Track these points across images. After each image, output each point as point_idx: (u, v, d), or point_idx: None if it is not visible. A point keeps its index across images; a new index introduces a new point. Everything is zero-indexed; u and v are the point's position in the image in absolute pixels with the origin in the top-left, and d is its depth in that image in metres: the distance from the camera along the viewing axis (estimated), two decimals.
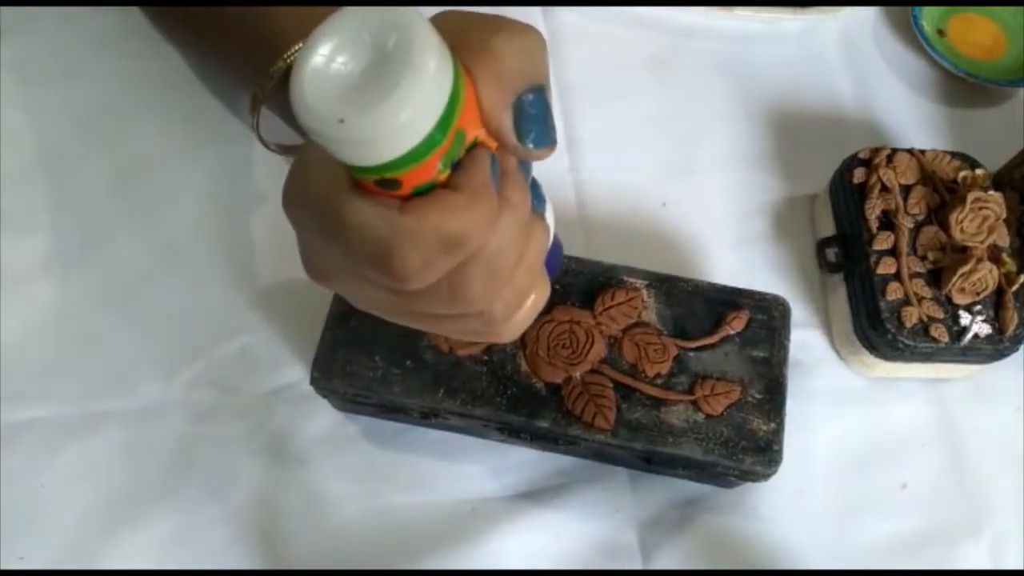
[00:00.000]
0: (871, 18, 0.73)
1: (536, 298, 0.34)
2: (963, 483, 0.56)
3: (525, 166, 0.31)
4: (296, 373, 0.56)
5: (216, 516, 0.53)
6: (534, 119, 0.28)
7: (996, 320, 0.53)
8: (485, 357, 0.49)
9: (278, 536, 0.52)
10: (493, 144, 0.29)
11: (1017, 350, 0.53)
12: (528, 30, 0.29)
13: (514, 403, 0.48)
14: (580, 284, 0.51)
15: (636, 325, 0.50)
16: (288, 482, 0.53)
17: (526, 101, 0.28)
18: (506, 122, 0.28)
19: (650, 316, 0.51)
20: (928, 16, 0.71)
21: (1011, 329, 0.53)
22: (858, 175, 0.57)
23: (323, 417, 0.55)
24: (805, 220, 0.64)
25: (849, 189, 0.57)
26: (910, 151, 0.57)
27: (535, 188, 0.33)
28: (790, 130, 0.67)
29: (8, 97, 0.64)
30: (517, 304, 0.33)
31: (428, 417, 0.51)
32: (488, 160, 0.28)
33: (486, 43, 0.27)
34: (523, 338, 0.49)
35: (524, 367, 0.49)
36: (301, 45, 0.41)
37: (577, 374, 0.49)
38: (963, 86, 0.69)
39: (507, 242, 0.30)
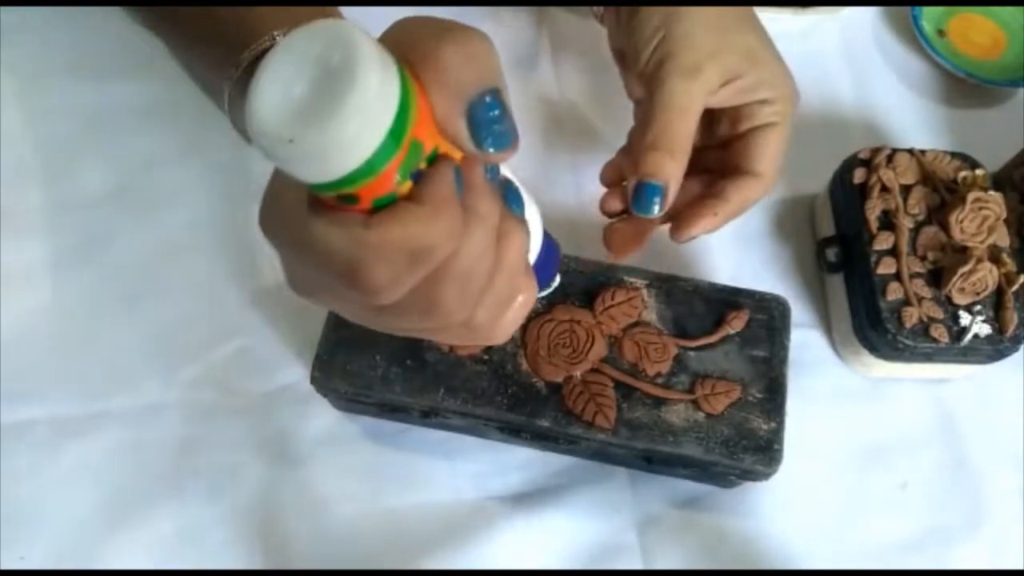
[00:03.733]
0: (871, 18, 0.73)
1: (523, 300, 0.34)
2: (963, 483, 0.56)
3: (492, 172, 0.31)
4: (296, 373, 0.56)
5: (216, 516, 0.53)
6: (489, 123, 0.28)
7: (996, 320, 0.53)
8: (485, 356, 0.49)
9: (278, 536, 0.52)
10: (457, 154, 0.29)
11: (1017, 350, 0.53)
12: (472, 34, 0.29)
13: (514, 402, 0.48)
14: (580, 284, 0.51)
15: (636, 324, 0.50)
16: (288, 482, 0.53)
17: (479, 106, 0.28)
18: (461, 129, 0.28)
19: (650, 316, 0.51)
20: (928, 16, 0.71)
21: (1011, 329, 0.53)
22: (858, 175, 0.57)
23: (323, 417, 0.55)
24: (805, 220, 0.64)
25: (849, 189, 0.57)
26: (910, 151, 0.57)
27: (510, 192, 0.33)
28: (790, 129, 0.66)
29: (8, 97, 0.64)
30: (501, 309, 0.33)
31: (428, 416, 0.51)
32: (450, 171, 0.28)
33: (432, 52, 0.27)
34: (524, 337, 0.49)
35: (525, 366, 0.49)
36: (269, 37, 0.41)
37: (577, 373, 0.49)
38: (963, 86, 0.69)
39: (478, 251, 0.30)
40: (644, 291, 0.51)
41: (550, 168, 0.64)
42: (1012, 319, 0.53)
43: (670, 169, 0.44)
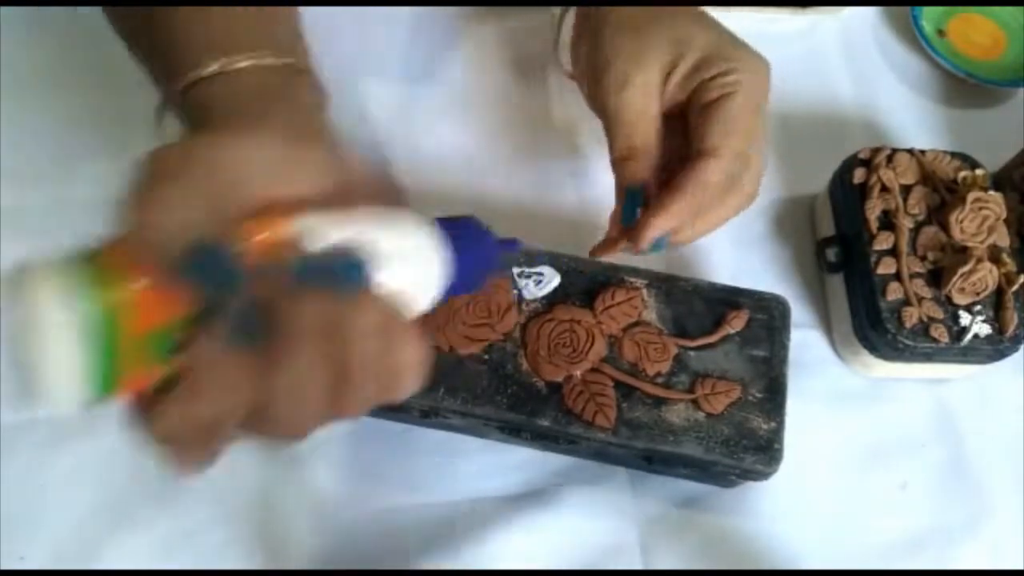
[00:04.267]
0: (871, 18, 0.73)
1: (409, 357, 0.31)
2: (963, 483, 0.56)
3: (302, 269, 0.29)
4: None
5: (215, 516, 0.53)
6: (204, 275, 0.27)
7: (996, 320, 0.53)
8: (486, 356, 0.49)
9: (278, 536, 0.52)
10: (259, 227, 0.28)
11: (1017, 350, 0.54)
12: (217, 139, 0.29)
13: (514, 402, 0.48)
14: (580, 284, 0.51)
15: (636, 324, 0.50)
16: (288, 482, 0.53)
17: (190, 262, 0.27)
18: (181, 286, 0.27)
19: (650, 315, 0.51)
20: (928, 16, 0.71)
21: (1011, 329, 0.53)
22: (858, 175, 0.57)
23: None
24: (805, 220, 0.64)
25: (849, 189, 0.57)
26: (910, 151, 0.57)
27: (344, 268, 0.30)
28: (790, 129, 0.66)
29: (8, 97, 0.64)
30: (382, 382, 0.31)
31: (428, 416, 0.50)
32: (208, 335, 0.27)
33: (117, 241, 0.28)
34: (524, 337, 0.49)
35: (525, 366, 0.49)
36: (207, 67, 0.40)
37: (578, 373, 0.49)
38: (963, 86, 0.69)
39: (296, 375, 0.28)
40: (644, 291, 0.51)
41: (551, 170, 0.63)
42: (1012, 319, 0.53)
43: (637, 172, 0.45)
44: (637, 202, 0.46)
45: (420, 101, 0.66)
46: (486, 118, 0.65)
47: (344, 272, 0.30)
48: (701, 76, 0.45)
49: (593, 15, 0.48)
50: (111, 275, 0.27)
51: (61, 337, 0.25)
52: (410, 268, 0.33)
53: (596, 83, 0.46)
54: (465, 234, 0.36)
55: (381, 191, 0.34)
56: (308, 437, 0.31)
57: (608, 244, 0.49)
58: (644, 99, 0.45)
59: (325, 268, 0.29)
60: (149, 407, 0.28)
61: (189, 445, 0.28)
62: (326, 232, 0.30)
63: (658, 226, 0.45)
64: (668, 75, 0.45)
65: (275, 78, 0.42)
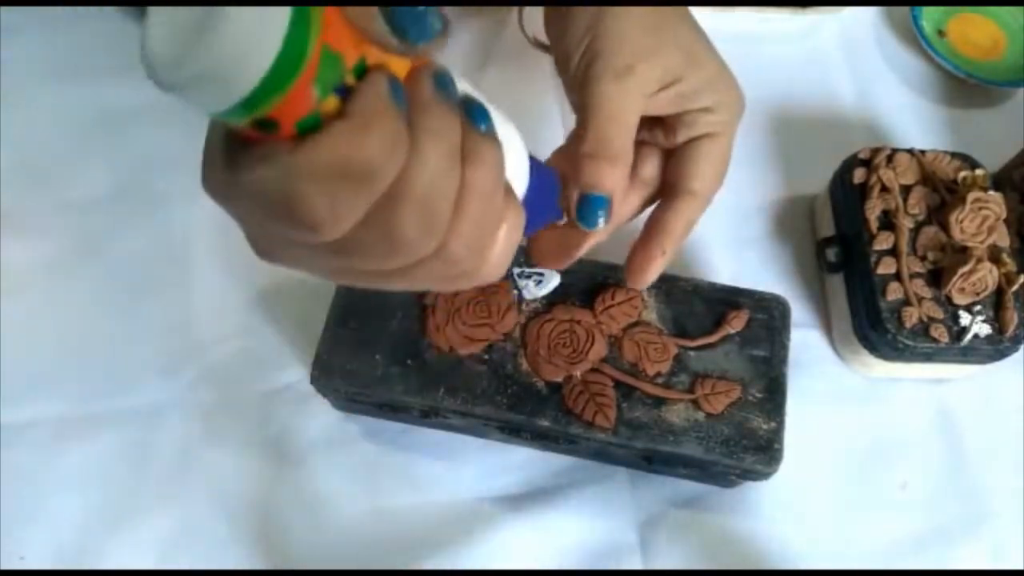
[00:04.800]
0: (871, 18, 0.73)
1: (509, 228, 0.31)
2: (963, 483, 0.56)
3: (445, 87, 0.28)
4: (296, 373, 0.56)
5: (216, 516, 0.53)
6: (407, 12, 0.26)
7: (996, 320, 0.53)
8: (485, 356, 0.49)
9: (278, 536, 0.52)
10: (399, 66, 0.27)
11: (1017, 350, 0.53)
12: None
13: (514, 402, 0.48)
14: (580, 283, 0.51)
15: (636, 324, 0.50)
16: (288, 482, 0.53)
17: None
18: (379, 25, 0.25)
19: (650, 315, 0.51)
20: (928, 16, 0.71)
21: (1011, 329, 0.53)
22: (858, 175, 0.57)
23: (323, 417, 0.55)
24: (805, 220, 0.64)
25: (849, 189, 0.57)
26: (910, 151, 0.57)
27: (474, 109, 0.30)
28: (790, 129, 0.67)
29: (8, 97, 0.64)
30: (480, 238, 0.30)
31: (428, 416, 0.51)
32: (382, 82, 0.26)
33: None
34: (524, 337, 0.49)
35: (524, 366, 0.49)
36: None
37: (578, 373, 0.49)
38: (963, 86, 0.69)
39: (433, 171, 0.27)
40: (644, 291, 0.51)
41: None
42: (1012, 319, 0.53)
43: (612, 179, 0.40)
44: (601, 209, 0.41)
45: None
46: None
47: (477, 112, 0.30)
48: (694, 103, 0.42)
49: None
50: None
51: None
52: (507, 158, 0.32)
53: (586, 64, 0.41)
54: (543, 174, 0.36)
55: None
56: (410, 266, 0.30)
57: (561, 249, 0.44)
58: (636, 98, 0.41)
59: (463, 99, 0.30)
60: (294, 143, 0.25)
61: (328, 193, 0.25)
62: (458, 80, 0.30)
63: (657, 270, 0.43)
64: (665, 87, 0.41)
65: None
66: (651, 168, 0.44)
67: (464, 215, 0.29)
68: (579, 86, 0.42)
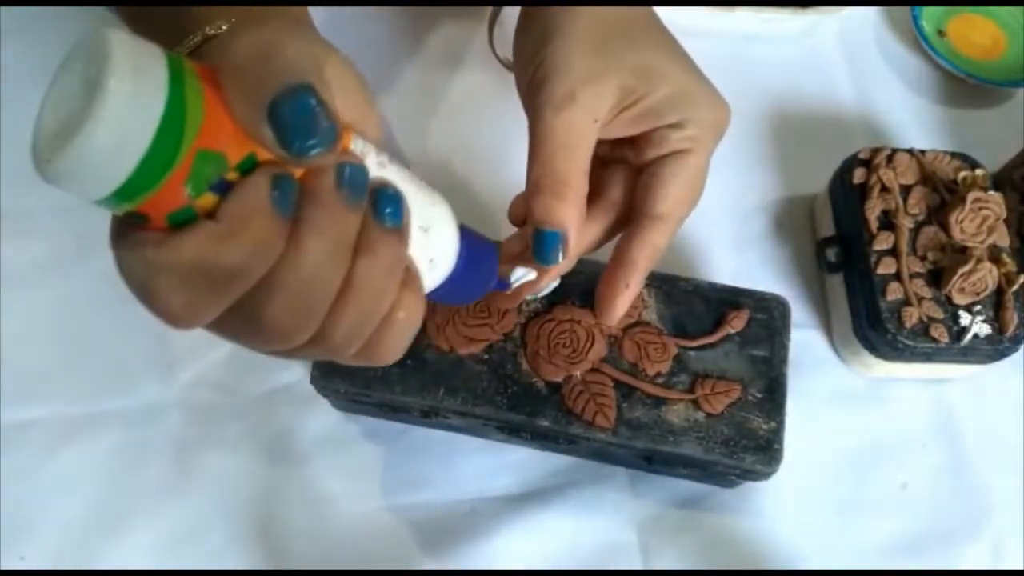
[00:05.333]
0: (871, 18, 0.73)
1: (407, 316, 0.31)
2: (963, 483, 0.56)
3: (351, 179, 0.27)
4: (296, 373, 0.56)
5: (216, 516, 0.53)
6: (294, 124, 0.25)
7: (996, 320, 0.53)
8: (486, 356, 0.49)
9: (278, 536, 0.52)
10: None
11: (1017, 350, 0.53)
12: (266, 28, 0.27)
13: (514, 402, 0.48)
14: (580, 284, 0.51)
15: (636, 324, 0.50)
16: (288, 482, 0.53)
17: (281, 106, 0.25)
18: (265, 133, 0.25)
19: (650, 315, 0.51)
20: (928, 16, 0.71)
21: (1011, 329, 0.53)
22: (858, 175, 0.57)
23: (323, 417, 0.55)
24: (805, 220, 0.64)
25: (849, 189, 0.57)
26: (910, 151, 0.57)
27: (384, 199, 0.29)
28: (790, 130, 0.67)
29: (8, 97, 0.64)
30: (363, 329, 0.30)
31: (428, 416, 0.51)
32: (262, 183, 0.25)
33: (225, 50, 0.25)
34: (524, 337, 0.49)
35: (525, 366, 0.49)
36: (201, 33, 0.35)
37: (578, 373, 0.49)
38: (963, 86, 0.69)
39: (313, 269, 0.27)
40: (644, 291, 0.51)
41: None
42: (1012, 319, 0.53)
43: (563, 213, 0.37)
44: (553, 246, 0.38)
45: (414, 102, 0.66)
46: (483, 118, 0.65)
47: (385, 203, 0.29)
48: (660, 121, 0.39)
49: (542, 14, 0.40)
50: (195, 74, 0.25)
51: (126, 91, 0.22)
52: (427, 244, 0.32)
53: (534, 92, 0.39)
54: (475, 248, 0.35)
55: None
56: (287, 350, 0.29)
57: (518, 293, 0.42)
58: (586, 125, 0.38)
59: (375, 187, 0.29)
60: (161, 237, 0.25)
61: (186, 291, 0.25)
62: (373, 166, 0.29)
63: (625, 303, 0.41)
64: (625, 108, 0.39)
65: None
66: (619, 190, 0.42)
67: (345, 307, 0.29)
68: (526, 112, 0.40)
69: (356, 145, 0.29)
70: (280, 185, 0.26)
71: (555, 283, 0.46)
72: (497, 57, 0.55)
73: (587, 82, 0.38)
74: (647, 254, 0.40)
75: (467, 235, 0.35)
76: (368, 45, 0.68)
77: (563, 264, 0.39)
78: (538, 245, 0.38)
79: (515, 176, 0.63)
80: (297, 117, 0.25)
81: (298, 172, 0.27)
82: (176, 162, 0.24)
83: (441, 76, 0.67)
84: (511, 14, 0.46)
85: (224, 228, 0.25)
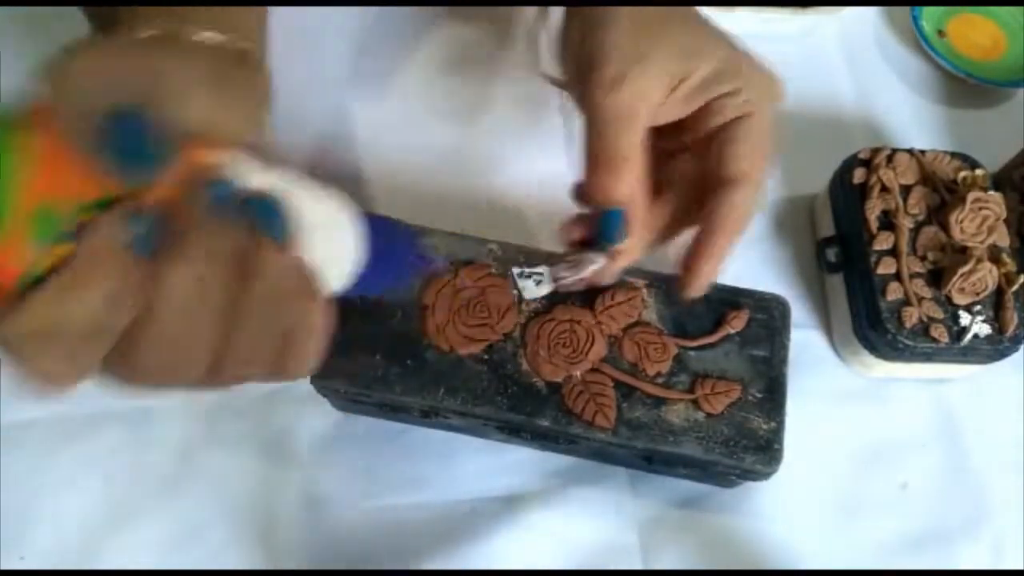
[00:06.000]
0: (871, 18, 0.73)
1: (307, 326, 0.29)
2: (963, 483, 0.56)
3: (217, 194, 0.26)
4: None
5: (216, 516, 0.53)
6: (122, 147, 0.24)
7: (996, 320, 0.53)
8: (486, 356, 0.49)
9: (278, 536, 0.52)
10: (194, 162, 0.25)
11: (1017, 350, 0.54)
12: (108, 45, 0.26)
13: (514, 402, 0.48)
14: None
15: (636, 324, 0.50)
16: (288, 482, 0.53)
17: (108, 131, 0.24)
18: (99, 161, 0.24)
19: (650, 315, 0.51)
20: (928, 17, 0.71)
21: (1011, 329, 0.53)
22: (858, 175, 0.57)
23: (323, 417, 0.55)
24: (805, 220, 0.64)
25: (849, 189, 0.57)
26: (910, 151, 0.58)
27: (263, 210, 0.28)
28: (790, 130, 0.66)
29: (8, 97, 0.64)
30: (265, 348, 0.28)
31: (428, 416, 0.50)
32: (111, 221, 0.24)
33: (65, 75, 0.25)
34: (524, 337, 0.49)
35: (524, 366, 0.49)
36: (149, 30, 0.33)
37: (577, 373, 0.49)
38: (963, 86, 0.69)
39: (186, 299, 0.25)
40: (644, 291, 0.51)
41: (549, 167, 0.63)
42: (1012, 319, 0.53)
43: (618, 187, 0.39)
44: (616, 224, 0.41)
45: (413, 103, 0.66)
46: (480, 120, 0.65)
47: (262, 214, 0.27)
48: (712, 92, 0.41)
49: (587, 12, 0.43)
50: (15, 128, 0.24)
51: None
52: (326, 243, 0.30)
53: (583, 78, 0.40)
54: (387, 235, 0.35)
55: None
56: (179, 388, 0.28)
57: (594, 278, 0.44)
58: (638, 103, 0.39)
59: (244, 204, 0.27)
60: (13, 302, 0.24)
61: (53, 352, 0.24)
62: (249, 176, 0.28)
63: (712, 271, 0.42)
64: (674, 88, 0.40)
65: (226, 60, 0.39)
66: (684, 175, 0.43)
67: (238, 331, 0.27)
68: (579, 100, 0.41)
69: (220, 158, 0.27)
70: (133, 221, 0.24)
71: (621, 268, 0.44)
72: (546, 78, 0.55)
73: (634, 63, 0.39)
74: (735, 215, 0.42)
75: (376, 224, 0.34)
76: (373, 44, 0.68)
77: (632, 246, 0.41)
78: (601, 224, 0.40)
79: (512, 177, 0.64)
80: (123, 139, 0.24)
81: (152, 200, 0.25)
82: (3, 229, 0.23)
83: (443, 77, 0.67)
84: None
85: (70, 279, 0.24)
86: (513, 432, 0.51)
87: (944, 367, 0.56)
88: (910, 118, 0.68)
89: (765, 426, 0.48)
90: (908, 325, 0.52)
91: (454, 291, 0.50)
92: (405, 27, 0.69)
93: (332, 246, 0.31)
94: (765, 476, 0.48)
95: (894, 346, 0.53)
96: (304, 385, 0.51)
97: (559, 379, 0.48)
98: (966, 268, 0.52)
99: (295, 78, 0.66)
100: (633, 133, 0.40)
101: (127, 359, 0.26)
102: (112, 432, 0.54)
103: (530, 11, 0.65)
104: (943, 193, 0.56)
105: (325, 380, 0.49)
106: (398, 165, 0.62)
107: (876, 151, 0.58)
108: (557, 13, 0.47)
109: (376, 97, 0.66)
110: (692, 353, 0.50)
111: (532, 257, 0.51)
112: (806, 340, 0.58)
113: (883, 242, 0.55)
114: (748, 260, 0.61)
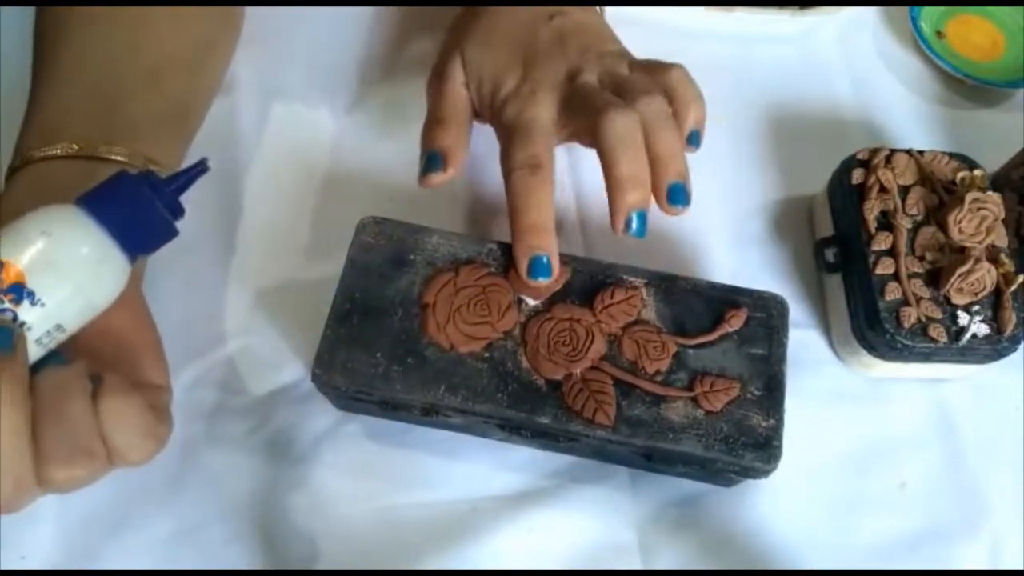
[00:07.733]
0: (870, 19, 0.73)
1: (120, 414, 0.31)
2: (962, 483, 0.56)
3: None
4: (296, 373, 0.56)
5: (216, 516, 0.53)
6: None
7: (994, 320, 0.53)
8: (486, 354, 0.49)
9: (278, 536, 0.52)
10: None
11: (1015, 350, 0.54)
12: None
13: (515, 400, 0.48)
14: (580, 282, 0.51)
15: (636, 323, 0.50)
16: (288, 482, 0.53)
17: None
18: None
19: (649, 314, 0.51)
20: (927, 17, 0.71)
21: (1009, 329, 0.53)
22: (857, 176, 0.57)
23: (324, 416, 0.55)
24: (804, 220, 0.64)
25: (848, 190, 0.57)
26: (909, 152, 0.58)
27: None
28: (789, 130, 0.67)
29: (8, 97, 0.64)
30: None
31: (429, 415, 0.51)
32: None
33: None
34: (524, 335, 0.50)
35: (525, 364, 0.49)
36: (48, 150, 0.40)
37: (577, 371, 0.49)
38: (962, 87, 0.69)
39: None
40: (643, 290, 0.51)
41: None
42: (1010, 319, 0.53)
43: (442, 138, 0.53)
44: (434, 163, 0.52)
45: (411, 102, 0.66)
46: None
47: None
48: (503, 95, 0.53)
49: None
50: None
51: None
52: (60, 276, 0.31)
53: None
54: (119, 195, 0.35)
55: None
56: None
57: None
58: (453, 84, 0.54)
59: None
60: None
61: None
62: None
63: (628, 203, 0.47)
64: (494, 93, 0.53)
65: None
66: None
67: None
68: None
69: None
70: None
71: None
72: None
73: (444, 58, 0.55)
74: (608, 142, 0.47)
75: (118, 186, 0.34)
76: (373, 44, 0.68)
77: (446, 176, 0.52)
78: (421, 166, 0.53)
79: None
80: None
81: None
82: None
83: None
84: None
85: None
86: (513, 430, 0.51)
87: (942, 367, 0.56)
88: (909, 119, 0.68)
89: (764, 423, 0.48)
90: (906, 325, 0.52)
91: (455, 290, 0.50)
92: (403, 28, 0.69)
93: (69, 273, 0.32)
94: (764, 474, 0.48)
95: (892, 346, 0.53)
96: (304, 384, 0.51)
97: (559, 377, 0.49)
98: (964, 268, 0.52)
99: (296, 79, 0.67)
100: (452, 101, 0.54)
101: None
102: None
103: None
104: (941, 193, 0.56)
105: (326, 377, 0.49)
106: (398, 165, 0.62)
107: (875, 151, 0.58)
108: None
109: (375, 97, 0.66)
110: (691, 351, 0.50)
111: None
112: (804, 340, 0.59)
113: (881, 242, 0.55)
114: (747, 260, 0.61)
